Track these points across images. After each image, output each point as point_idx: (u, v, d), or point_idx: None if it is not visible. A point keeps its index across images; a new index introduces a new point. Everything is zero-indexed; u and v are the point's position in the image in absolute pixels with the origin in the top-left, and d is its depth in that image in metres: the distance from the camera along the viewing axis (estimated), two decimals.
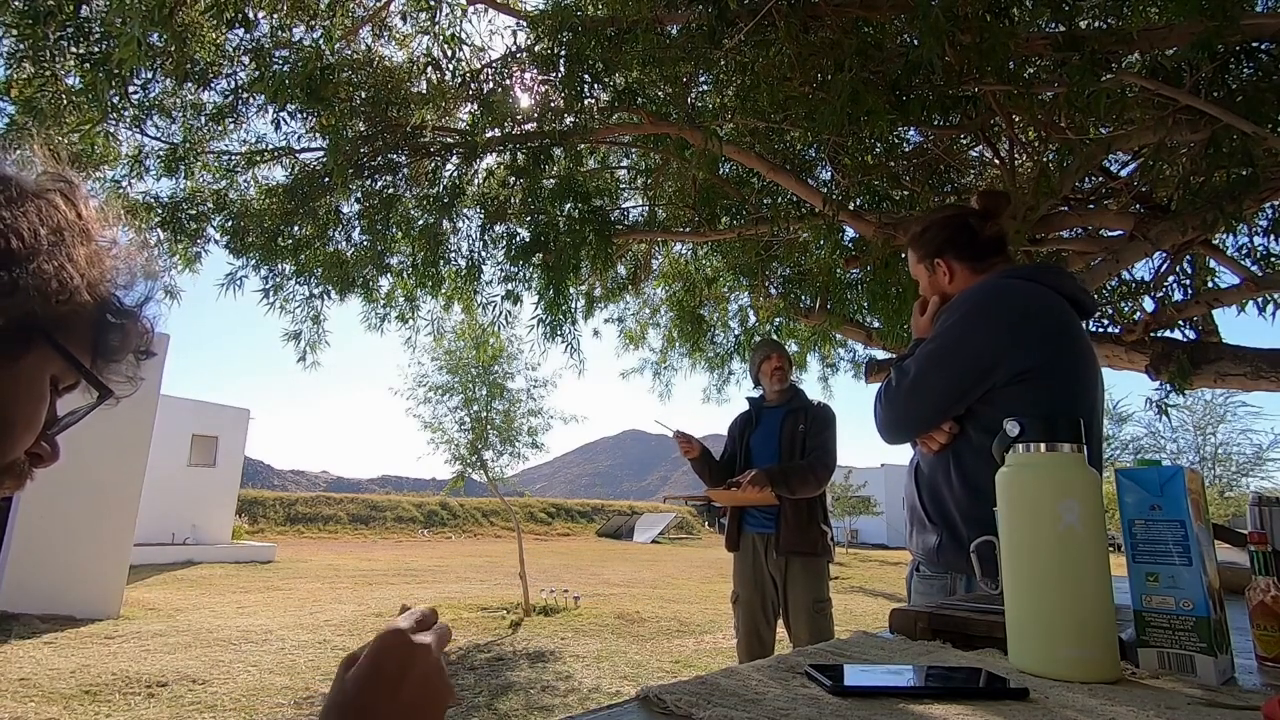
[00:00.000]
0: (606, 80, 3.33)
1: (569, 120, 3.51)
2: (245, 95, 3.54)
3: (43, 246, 0.45)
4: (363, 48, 3.98)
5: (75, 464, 7.05)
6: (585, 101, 3.24)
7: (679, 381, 7.19)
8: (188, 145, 3.82)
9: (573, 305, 4.65)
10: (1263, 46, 2.62)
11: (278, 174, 4.43)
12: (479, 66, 3.52)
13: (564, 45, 2.99)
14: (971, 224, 1.61)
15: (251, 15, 3.16)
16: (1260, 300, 3.49)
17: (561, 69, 3.06)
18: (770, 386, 3.35)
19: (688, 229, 4.82)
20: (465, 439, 8.88)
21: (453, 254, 4.69)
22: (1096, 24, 2.95)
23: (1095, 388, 1.49)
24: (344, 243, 4.56)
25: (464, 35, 3.53)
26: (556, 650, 6.24)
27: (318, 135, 3.94)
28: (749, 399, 3.51)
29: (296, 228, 4.31)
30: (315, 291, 4.70)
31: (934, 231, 1.65)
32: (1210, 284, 3.90)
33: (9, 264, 0.44)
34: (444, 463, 9.12)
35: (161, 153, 3.85)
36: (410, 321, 5.30)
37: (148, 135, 3.89)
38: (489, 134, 3.71)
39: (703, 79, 3.59)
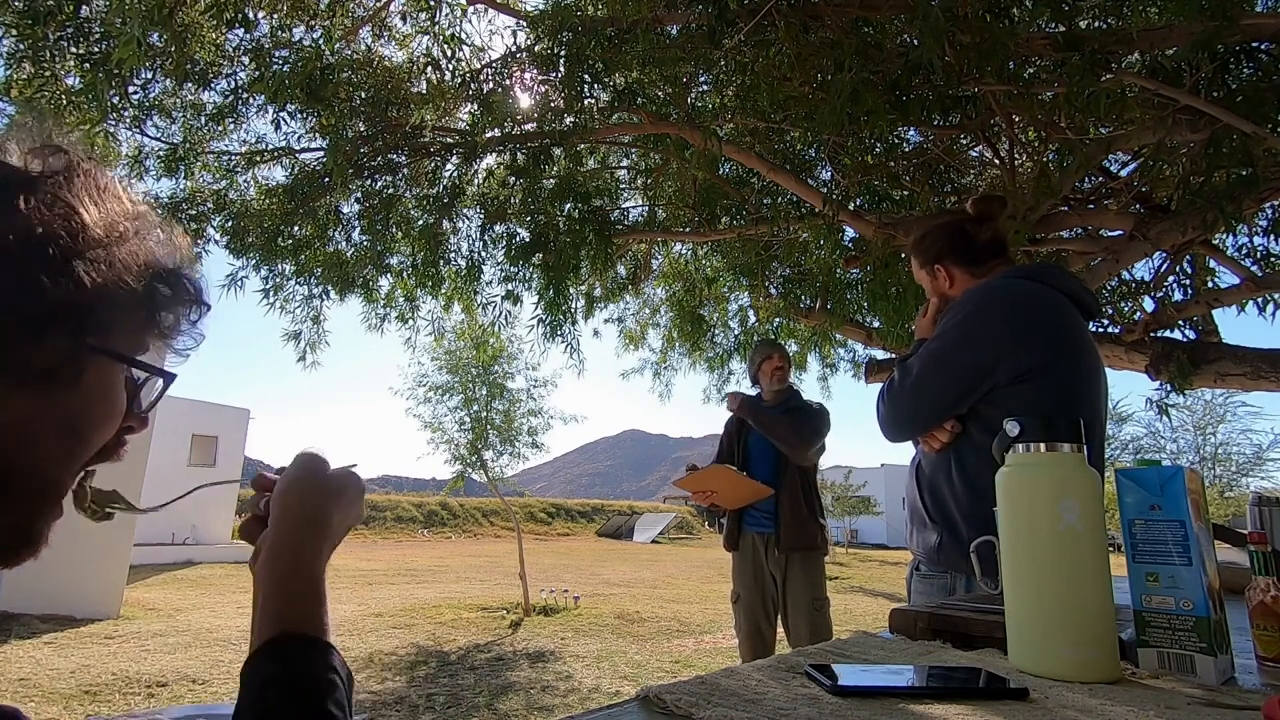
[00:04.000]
0: (606, 80, 3.32)
1: (569, 120, 3.51)
2: (245, 95, 3.54)
3: (52, 277, 0.44)
4: (363, 48, 3.98)
5: None
6: (585, 101, 3.24)
7: (679, 381, 7.20)
8: (188, 145, 3.82)
9: (573, 305, 4.65)
10: (1263, 46, 2.62)
11: (278, 174, 4.44)
12: (479, 66, 3.52)
13: (564, 45, 2.98)
14: (967, 229, 1.63)
15: (251, 15, 3.16)
16: (1260, 300, 3.49)
17: (561, 69, 3.06)
18: (769, 386, 3.36)
19: (688, 229, 4.82)
20: (465, 439, 8.89)
21: (453, 254, 4.69)
22: (1096, 24, 2.95)
23: (1098, 387, 1.49)
24: (344, 243, 4.56)
25: (464, 35, 3.53)
26: (556, 650, 6.24)
27: (318, 135, 3.94)
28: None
29: (296, 228, 4.31)
30: (315, 291, 4.70)
31: (931, 238, 1.67)
32: (1210, 284, 3.90)
33: (36, 313, 0.43)
34: (444, 463, 9.14)
35: (161, 153, 3.84)
36: (410, 321, 5.29)
37: (148, 135, 3.89)
38: (489, 134, 3.71)
39: (703, 79, 3.59)
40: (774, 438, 3.15)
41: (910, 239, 1.78)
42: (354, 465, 0.65)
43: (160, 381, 0.55)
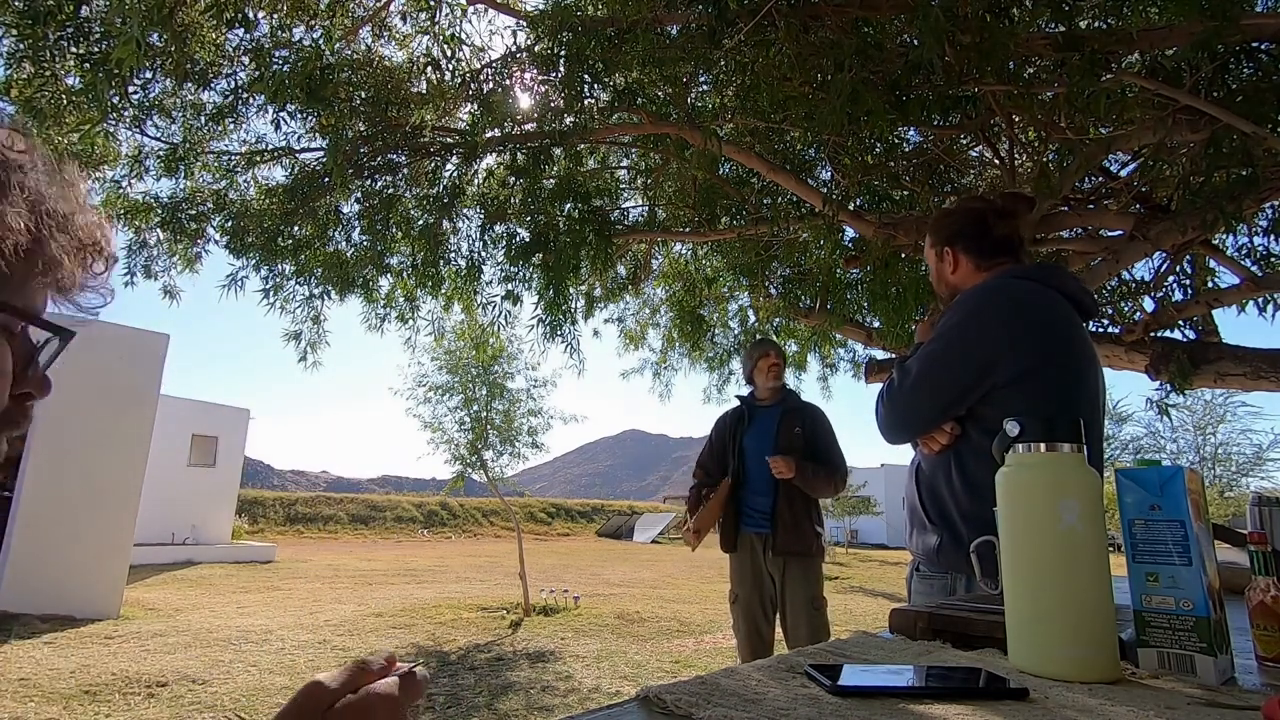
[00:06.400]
0: (606, 80, 3.33)
1: (569, 120, 3.51)
2: (245, 95, 3.54)
3: None
4: (363, 48, 3.98)
5: (75, 464, 7.05)
6: (585, 101, 3.24)
7: (679, 381, 7.20)
8: (188, 145, 3.82)
9: (573, 305, 4.65)
10: (1263, 46, 2.62)
11: (278, 174, 4.44)
12: (479, 66, 3.52)
13: (564, 45, 2.98)
14: (988, 220, 1.63)
15: (251, 15, 3.16)
16: (1260, 300, 3.50)
17: (561, 69, 3.06)
18: (765, 384, 3.35)
19: (688, 229, 4.82)
20: (465, 439, 8.87)
21: (453, 254, 4.69)
22: (1096, 24, 2.95)
23: (1096, 387, 1.49)
24: (344, 243, 4.56)
25: (464, 35, 3.54)
26: (556, 650, 6.24)
27: (318, 135, 3.94)
28: (739, 397, 3.50)
29: (296, 228, 4.31)
30: (315, 291, 4.70)
31: (951, 220, 1.69)
32: (1210, 284, 3.90)
33: None
34: (444, 463, 9.12)
35: (161, 153, 3.85)
36: (410, 321, 5.30)
37: (148, 135, 3.89)
38: (489, 134, 3.71)
39: (703, 79, 3.59)
40: (819, 495, 3.21)
41: (934, 215, 1.80)
42: (414, 665, 0.51)
43: (57, 341, 0.49)
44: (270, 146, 4.14)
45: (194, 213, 4.18)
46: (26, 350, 0.48)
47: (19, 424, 0.49)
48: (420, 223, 4.41)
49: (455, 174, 4.27)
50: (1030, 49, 2.64)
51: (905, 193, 4.00)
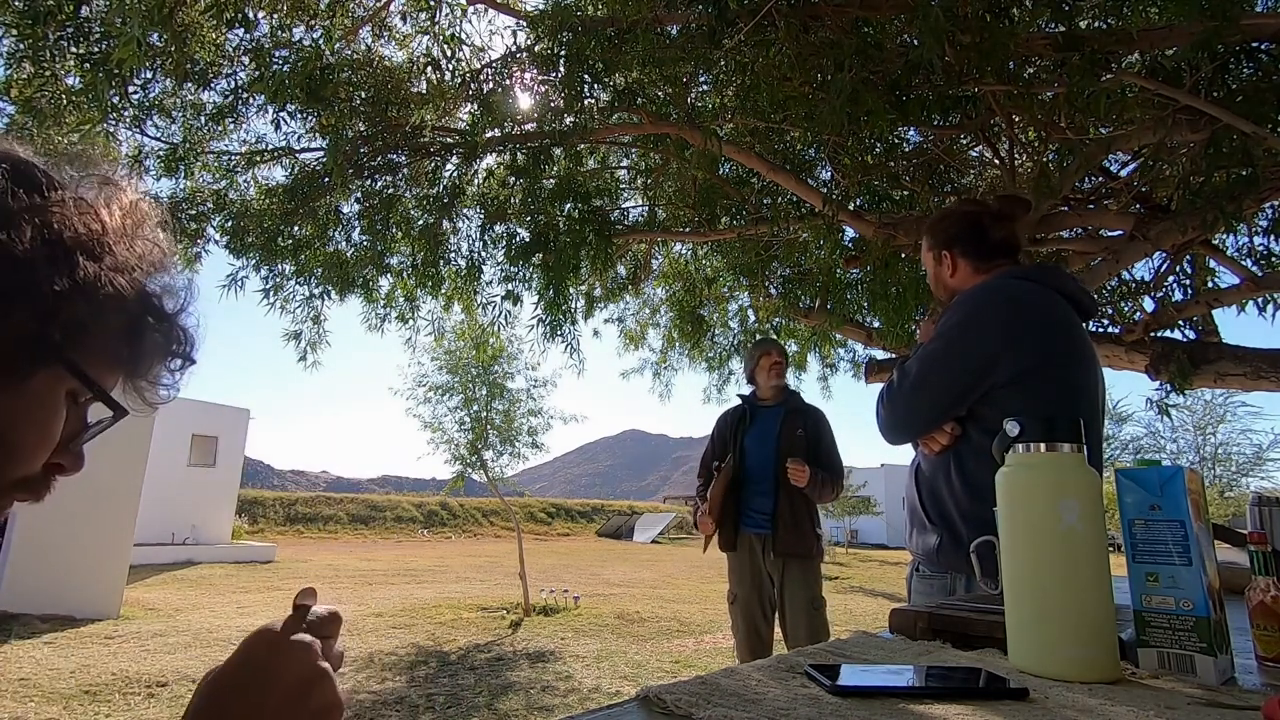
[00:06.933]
0: (606, 80, 3.32)
1: (569, 120, 3.51)
2: (245, 95, 3.54)
3: (41, 261, 0.41)
4: (363, 48, 3.98)
5: None
6: (585, 101, 3.24)
7: (679, 381, 7.20)
8: (188, 145, 3.82)
9: (573, 305, 4.65)
10: (1263, 46, 2.62)
11: (278, 174, 4.44)
12: (479, 66, 3.52)
13: (564, 45, 2.98)
14: (984, 223, 1.63)
15: (251, 15, 3.16)
16: (1260, 300, 3.50)
17: (561, 69, 3.06)
18: (767, 383, 3.35)
19: (688, 229, 4.82)
20: (465, 439, 8.88)
21: (453, 254, 4.69)
22: (1096, 24, 2.95)
23: (1095, 387, 1.49)
24: (344, 243, 4.56)
25: (464, 35, 3.54)
26: (556, 650, 6.24)
27: (318, 135, 3.94)
28: (741, 396, 3.50)
29: (296, 228, 4.31)
30: (315, 291, 4.70)
31: (948, 223, 1.68)
32: (1210, 284, 3.90)
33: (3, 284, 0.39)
34: (444, 463, 9.14)
35: (161, 153, 3.84)
36: (410, 321, 5.30)
37: (148, 135, 3.89)
38: (489, 134, 3.71)
39: (703, 79, 3.59)
40: (821, 501, 3.24)
41: (929, 219, 1.80)
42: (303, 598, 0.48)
43: (108, 420, 0.49)
44: (270, 146, 4.14)
45: (194, 213, 4.17)
46: (79, 424, 0.48)
47: (38, 494, 0.48)
48: (420, 223, 4.41)
49: (455, 174, 4.27)
50: (1030, 49, 2.64)
51: (905, 193, 4.00)
